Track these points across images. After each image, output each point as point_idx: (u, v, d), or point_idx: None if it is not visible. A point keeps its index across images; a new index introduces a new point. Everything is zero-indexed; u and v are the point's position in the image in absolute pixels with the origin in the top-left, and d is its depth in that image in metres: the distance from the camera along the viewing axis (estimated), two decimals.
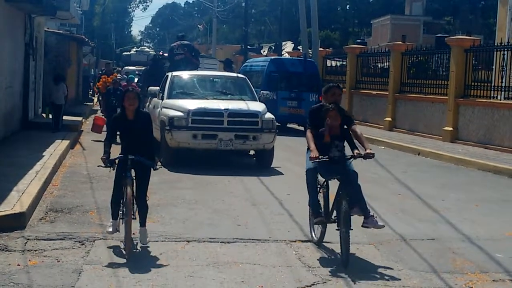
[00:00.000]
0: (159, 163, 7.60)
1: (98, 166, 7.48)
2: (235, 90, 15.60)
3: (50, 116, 19.71)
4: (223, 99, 14.56)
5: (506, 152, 17.10)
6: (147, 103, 16.98)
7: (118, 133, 7.84)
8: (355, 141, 7.76)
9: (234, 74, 17.23)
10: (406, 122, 22.96)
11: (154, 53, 51.06)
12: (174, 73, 15.88)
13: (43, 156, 13.41)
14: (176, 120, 13.64)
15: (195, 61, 19.82)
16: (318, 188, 7.81)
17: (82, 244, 7.54)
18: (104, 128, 18.06)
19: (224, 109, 13.66)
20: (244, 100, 14.84)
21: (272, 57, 28.50)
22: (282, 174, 13.64)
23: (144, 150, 7.47)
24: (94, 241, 7.70)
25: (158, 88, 15.98)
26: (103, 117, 19.02)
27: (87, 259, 6.99)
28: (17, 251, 7.20)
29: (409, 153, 18.08)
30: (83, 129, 21.23)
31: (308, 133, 7.66)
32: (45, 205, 9.60)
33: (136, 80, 25.12)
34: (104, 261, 6.89)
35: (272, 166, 14.31)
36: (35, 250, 7.23)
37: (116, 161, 7.43)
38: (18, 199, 8.97)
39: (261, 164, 14.51)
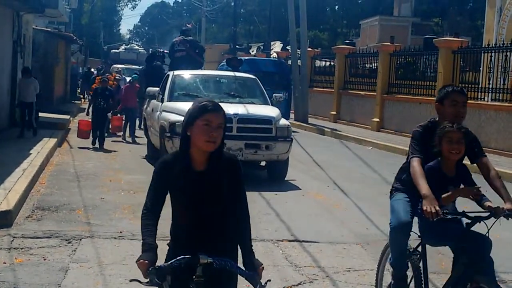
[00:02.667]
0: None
1: (131, 280, 3.47)
2: (244, 92, 14.11)
3: (30, 118, 17.16)
4: (231, 103, 12.94)
5: (493, 153, 17.18)
6: (145, 106, 15.78)
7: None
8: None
9: (243, 74, 15.42)
10: (393, 122, 23.03)
11: (144, 50, 50.72)
12: (176, 73, 14.41)
13: (30, 154, 13.36)
14: (178, 125, 11.85)
15: (199, 59, 18.00)
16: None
17: (68, 242, 7.52)
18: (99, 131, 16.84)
19: (233, 114, 12.11)
20: (254, 103, 13.46)
21: (246, 58, 29.40)
22: (299, 189, 12.05)
23: (227, 241, 3.67)
24: (81, 239, 7.69)
25: (157, 89, 14.57)
26: (90, 119, 17.16)
27: (74, 257, 6.98)
28: (3, 249, 7.17)
29: (396, 153, 18.12)
30: (71, 127, 21.15)
31: (415, 164, 4.74)
32: (31, 203, 9.57)
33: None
34: (91, 260, 6.88)
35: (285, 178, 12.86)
36: (22, 248, 7.21)
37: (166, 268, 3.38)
38: (5, 197, 8.94)
39: (273, 176, 12.93)
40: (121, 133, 19.26)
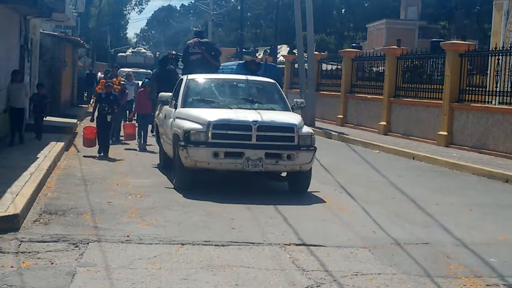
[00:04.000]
0: None
1: None
2: (263, 98, 13.20)
3: (20, 125, 16.11)
4: (249, 109, 12.20)
5: (501, 156, 17.14)
6: (157, 112, 15.08)
7: None
8: None
9: (261, 78, 14.42)
10: (400, 126, 22.98)
11: (151, 53, 50.69)
12: (190, 77, 13.48)
13: (38, 158, 13.38)
14: (193, 134, 11.32)
15: (215, 63, 16.97)
16: None
17: (76, 247, 7.52)
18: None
19: (253, 121, 11.33)
20: (275, 109, 12.62)
21: (239, 62, 29.49)
22: (323, 201, 11.21)
23: None
24: (88, 243, 7.68)
25: (170, 94, 13.65)
26: (95, 126, 16.39)
27: (81, 261, 6.98)
28: (11, 253, 7.18)
29: (403, 157, 18.10)
30: (78, 131, 21.18)
31: None
32: (39, 207, 9.58)
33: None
34: (98, 264, 6.87)
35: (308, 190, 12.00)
36: (29, 252, 7.22)
37: None
38: (12, 201, 8.94)
39: (294, 188, 12.02)
40: (130, 142, 18.39)
